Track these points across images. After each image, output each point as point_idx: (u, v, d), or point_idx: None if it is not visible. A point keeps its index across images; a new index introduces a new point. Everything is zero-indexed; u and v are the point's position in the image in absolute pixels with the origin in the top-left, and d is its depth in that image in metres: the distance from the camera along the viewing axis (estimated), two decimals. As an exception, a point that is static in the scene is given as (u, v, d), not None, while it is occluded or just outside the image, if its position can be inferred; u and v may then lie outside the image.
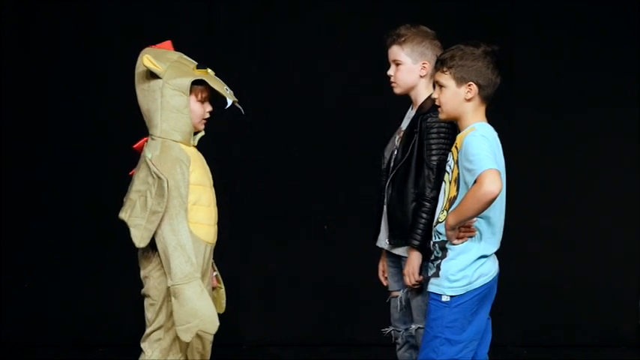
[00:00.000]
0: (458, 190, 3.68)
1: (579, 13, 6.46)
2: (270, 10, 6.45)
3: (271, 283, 6.43)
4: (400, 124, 4.31)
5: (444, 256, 3.72)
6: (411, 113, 4.27)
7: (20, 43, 6.34)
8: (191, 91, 3.91)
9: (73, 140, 6.34)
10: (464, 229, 3.66)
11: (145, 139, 3.96)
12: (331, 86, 6.45)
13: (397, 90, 4.26)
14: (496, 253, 3.74)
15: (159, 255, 3.85)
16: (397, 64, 4.22)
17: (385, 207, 4.22)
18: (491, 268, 3.71)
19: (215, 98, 4.00)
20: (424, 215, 4.02)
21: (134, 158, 3.99)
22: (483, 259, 3.69)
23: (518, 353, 6.33)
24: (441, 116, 3.83)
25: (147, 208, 3.79)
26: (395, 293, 4.31)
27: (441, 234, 3.73)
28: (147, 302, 3.96)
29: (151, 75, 3.87)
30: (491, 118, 3.78)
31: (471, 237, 3.68)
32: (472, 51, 3.72)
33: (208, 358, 4.08)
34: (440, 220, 3.75)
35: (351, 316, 6.41)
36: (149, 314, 3.95)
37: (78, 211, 6.32)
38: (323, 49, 6.44)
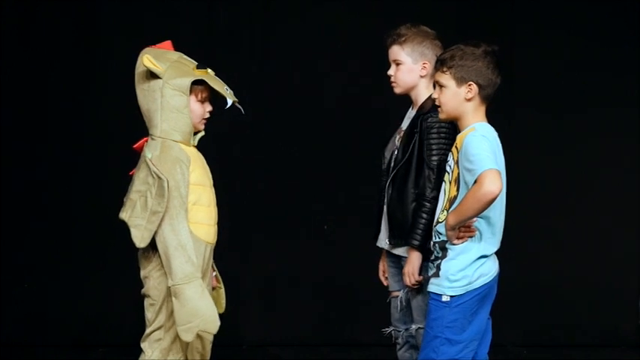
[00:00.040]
0: (458, 190, 3.68)
1: (579, 13, 6.46)
2: (270, 10, 6.45)
3: (271, 283, 6.43)
4: (400, 124, 4.31)
5: (444, 256, 3.72)
6: (411, 113, 4.27)
7: (20, 43, 6.34)
8: (191, 91, 3.91)
9: (73, 140, 6.34)
10: (464, 229, 3.66)
11: (145, 139, 3.96)
12: (331, 86, 6.45)
13: (397, 90, 4.26)
14: (496, 253, 3.74)
15: (159, 255, 3.85)
16: (397, 64, 4.22)
17: (385, 207, 4.22)
18: (491, 268, 3.71)
19: (215, 98, 4.00)
20: (424, 215, 4.02)
21: (134, 158, 3.99)
22: (483, 259, 3.69)
23: (518, 353, 6.33)
24: (441, 116, 3.83)
25: (147, 209, 3.79)
26: (395, 293, 4.30)
27: (441, 234, 3.73)
28: (147, 302, 3.96)
29: (151, 75, 3.87)
30: (492, 118, 3.79)
31: (471, 237, 3.68)
32: (472, 51, 3.72)
33: (208, 358, 4.08)
34: (440, 220, 3.75)
35: (351, 316, 6.41)
36: (149, 314, 3.95)
37: (78, 211, 6.32)
38: (323, 49, 6.44)
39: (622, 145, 6.49)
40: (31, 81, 6.34)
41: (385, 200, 4.22)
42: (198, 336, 3.89)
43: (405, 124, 4.27)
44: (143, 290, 3.96)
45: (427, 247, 3.95)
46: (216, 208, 3.99)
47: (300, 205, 6.41)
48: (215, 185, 4.01)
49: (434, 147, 4.06)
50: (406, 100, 4.30)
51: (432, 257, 3.79)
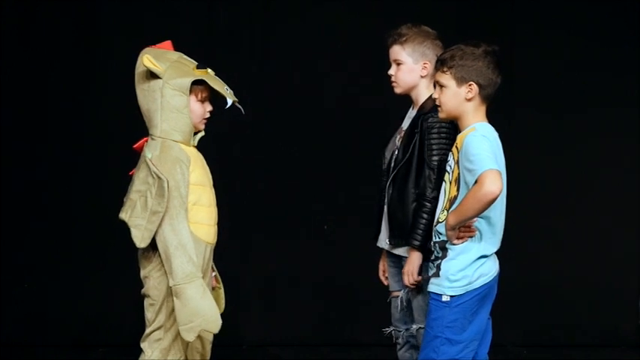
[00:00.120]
0: (458, 190, 3.68)
1: (579, 13, 6.46)
2: (270, 10, 6.45)
3: (271, 283, 6.43)
4: (401, 124, 4.31)
5: (444, 256, 3.72)
6: (411, 113, 4.27)
7: (20, 43, 6.33)
8: (191, 91, 3.91)
9: (73, 140, 6.34)
10: (464, 229, 3.66)
11: (145, 139, 3.96)
12: (331, 86, 6.45)
13: (398, 90, 4.26)
14: (496, 253, 3.74)
15: (159, 255, 3.85)
16: (398, 64, 4.22)
17: (386, 207, 4.22)
18: (491, 268, 3.71)
19: (215, 98, 4.00)
20: (425, 215, 4.02)
21: (134, 158, 3.99)
22: (483, 259, 3.69)
23: (518, 353, 6.33)
24: (441, 115, 3.83)
25: (147, 209, 3.79)
26: (396, 293, 4.30)
27: (441, 234, 3.73)
28: (147, 302, 3.96)
29: (151, 75, 3.87)
30: (492, 118, 3.79)
31: (471, 237, 3.68)
32: (472, 51, 3.72)
33: (208, 358, 4.08)
34: (440, 220, 3.75)
35: (351, 316, 6.41)
36: (149, 314, 3.95)
37: (78, 211, 6.32)
38: (323, 49, 6.44)
39: (622, 145, 6.49)
40: (31, 81, 6.34)
41: (385, 200, 4.22)
42: (199, 335, 3.89)
43: (405, 124, 4.27)
44: (143, 290, 3.96)
45: (427, 247, 3.95)
46: (216, 209, 3.99)
47: (300, 205, 6.41)
48: (215, 185, 4.01)
49: (434, 147, 4.06)
50: (406, 100, 4.30)
51: (432, 257, 3.79)
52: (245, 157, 6.44)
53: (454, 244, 3.69)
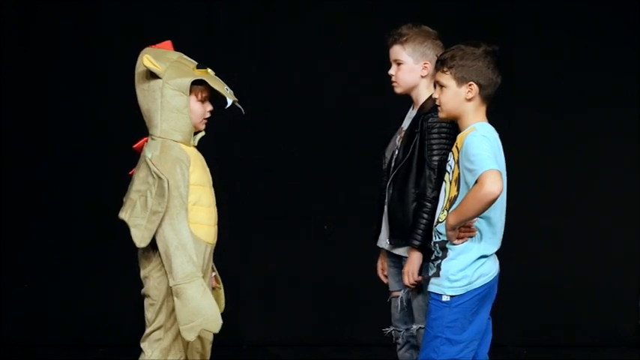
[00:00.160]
0: (458, 190, 3.68)
1: (579, 13, 6.46)
2: (270, 10, 6.45)
3: (271, 283, 6.43)
4: (401, 124, 4.31)
5: (444, 256, 3.72)
6: (412, 113, 4.27)
7: (20, 43, 6.33)
8: (191, 91, 3.91)
9: (73, 140, 6.34)
10: (464, 229, 3.66)
11: (145, 139, 3.96)
12: (331, 86, 6.45)
13: (398, 90, 4.26)
14: (496, 253, 3.74)
15: (159, 255, 3.85)
16: (398, 64, 4.22)
17: (386, 207, 4.22)
18: (491, 268, 3.71)
19: (215, 98, 4.00)
20: (425, 215, 4.02)
21: (134, 158, 3.99)
22: (484, 259, 3.69)
23: (518, 353, 6.33)
24: (441, 115, 3.83)
25: (147, 208, 3.79)
26: (396, 293, 4.30)
27: (441, 234, 3.73)
28: (147, 302, 3.96)
29: (151, 75, 3.87)
30: (492, 118, 3.79)
31: (472, 237, 3.68)
32: (472, 51, 3.72)
33: (208, 358, 4.08)
34: (440, 220, 3.75)
35: (351, 316, 6.41)
36: (149, 314, 3.95)
37: (78, 211, 6.32)
38: (323, 49, 6.44)
39: (622, 145, 6.49)
40: (31, 81, 6.34)
41: (386, 200, 4.22)
42: (199, 336, 3.89)
43: (405, 124, 4.27)
44: (143, 290, 3.96)
45: (427, 247, 3.95)
46: (216, 209, 3.99)
47: (300, 205, 6.41)
48: (215, 185, 4.01)
49: (434, 147, 4.06)
50: (406, 100, 4.30)
51: (433, 257, 3.80)
52: (245, 157, 6.44)
53: (454, 244, 3.69)
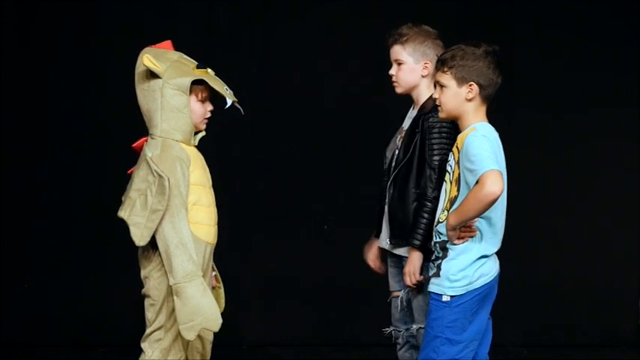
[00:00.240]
0: (459, 190, 3.67)
1: (579, 13, 6.46)
2: (270, 10, 6.45)
3: (271, 283, 6.43)
4: (402, 124, 4.31)
5: (444, 256, 3.72)
6: (412, 113, 4.27)
7: (20, 43, 6.33)
8: (191, 91, 3.91)
9: (73, 140, 6.34)
10: (465, 229, 3.66)
11: (144, 138, 3.96)
12: (331, 86, 6.45)
13: (399, 90, 4.26)
14: (496, 253, 3.74)
15: (159, 255, 3.85)
16: (399, 64, 4.21)
17: (386, 207, 4.22)
18: (491, 268, 3.71)
19: (215, 98, 4.01)
20: (425, 215, 4.02)
21: (134, 158, 3.99)
22: (484, 259, 3.69)
23: (518, 353, 6.33)
24: (441, 115, 3.83)
25: (147, 207, 3.79)
26: (396, 293, 4.30)
27: (441, 234, 3.73)
28: (147, 302, 3.96)
29: (151, 75, 3.87)
30: (492, 118, 3.79)
31: (472, 237, 3.68)
32: (473, 51, 3.72)
33: (208, 358, 4.08)
34: (441, 220, 3.75)
35: (351, 316, 6.41)
36: (149, 314, 3.95)
37: (78, 211, 6.32)
38: (323, 49, 6.44)
39: (622, 145, 6.49)
40: (31, 81, 6.34)
41: (386, 200, 4.22)
42: (199, 335, 3.89)
43: (406, 124, 4.27)
44: (143, 290, 3.96)
45: (428, 247, 3.95)
46: (215, 209, 3.99)
47: (300, 205, 6.41)
48: (215, 185, 4.01)
49: (435, 147, 4.05)
50: (406, 99, 4.30)
51: (433, 257, 3.79)
52: (245, 157, 6.44)
53: (455, 244, 3.69)
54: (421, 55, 4.19)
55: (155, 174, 3.80)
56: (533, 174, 6.38)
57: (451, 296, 3.67)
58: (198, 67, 3.95)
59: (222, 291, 4.18)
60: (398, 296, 4.28)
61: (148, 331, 3.94)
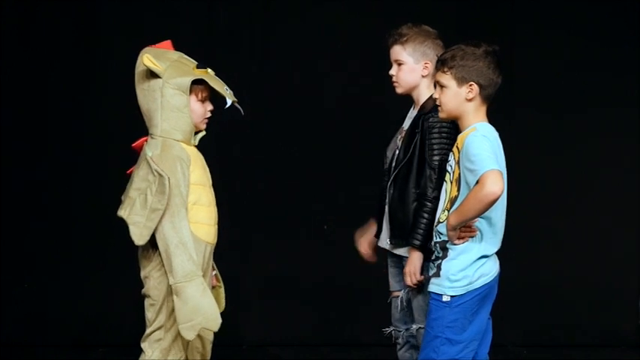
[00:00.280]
0: (459, 190, 3.67)
1: (579, 13, 6.46)
2: (270, 10, 6.45)
3: (271, 283, 6.43)
4: (402, 124, 4.31)
5: (444, 256, 3.72)
6: (413, 113, 4.27)
7: (20, 43, 6.33)
8: (191, 91, 3.91)
9: (73, 140, 6.34)
10: (465, 229, 3.66)
11: (144, 138, 3.96)
12: (331, 86, 6.45)
13: (399, 90, 4.26)
14: (496, 253, 3.74)
15: (159, 255, 3.85)
16: (399, 64, 4.21)
17: (387, 207, 4.22)
18: (492, 268, 3.71)
19: (215, 98, 4.01)
20: (425, 215, 4.01)
21: (134, 158, 3.99)
22: (484, 259, 3.69)
23: (518, 353, 6.33)
24: (442, 115, 3.83)
25: (147, 206, 3.79)
26: (396, 293, 4.30)
27: (442, 234, 3.73)
28: (147, 302, 3.96)
29: (151, 74, 3.87)
30: (492, 118, 3.79)
31: (472, 237, 3.68)
32: (473, 51, 3.72)
33: (208, 358, 4.08)
34: (441, 220, 3.75)
35: (351, 316, 6.41)
36: (149, 314, 3.95)
37: (78, 211, 6.32)
38: (323, 49, 6.44)
39: (622, 145, 6.49)
40: (31, 81, 6.34)
41: (387, 200, 4.22)
42: (199, 335, 3.89)
43: (406, 124, 4.27)
44: (143, 290, 3.96)
45: (428, 247, 3.95)
46: (216, 208, 3.99)
47: (300, 205, 6.41)
48: (215, 185, 4.01)
49: (435, 147, 4.05)
50: (406, 99, 4.30)
51: (433, 257, 3.79)
52: (245, 157, 6.44)
53: (455, 244, 3.69)
54: (421, 55, 4.19)
55: (155, 173, 3.80)
56: (533, 174, 6.38)
57: (451, 296, 3.67)
58: (198, 66, 3.96)
59: (222, 290, 4.18)
60: (398, 296, 4.28)
61: (147, 331, 3.95)
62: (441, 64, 3.77)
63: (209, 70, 3.98)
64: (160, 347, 3.92)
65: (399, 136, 4.27)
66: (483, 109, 3.76)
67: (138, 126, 4.01)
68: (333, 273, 6.38)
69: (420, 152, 4.09)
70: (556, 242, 6.47)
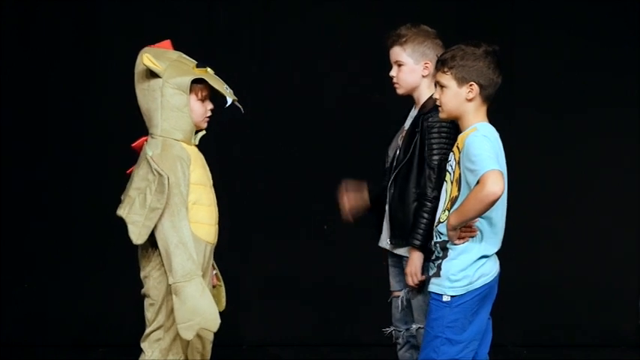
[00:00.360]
0: (459, 190, 3.68)
1: (579, 13, 6.46)
2: (270, 10, 6.44)
3: (271, 283, 6.43)
4: (403, 124, 4.31)
5: (445, 256, 3.72)
6: (413, 113, 4.27)
7: (20, 43, 6.33)
8: (191, 90, 3.91)
9: (73, 140, 6.34)
10: (465, 229, 3.66)
11: (144, 138, 3.96)
12: (331, 86, 6.45)
13: (400, 91, 4.26)
14: (497, 253, 3.74)
15: (159, 254, 3.85)
16: (399, 65, 4.21)
17: (387, 207, 4.22)
18: (492, 268, 3.71)
19: (215, 97, 4.01)
20: (425, 215, 4.02)
21: (134, 158, 3.99)
22: (484, 259, 3.69)
23: (518, 353, 6.33)
24: (442, 115, 3.83)
25: (146, 205, 3.79)
26: (396, 293, 4.30)
27: (442, 234, 3.73)
28: (146, 302, 3.96)
29: (151, 74, 3.87)
30: (492, 118, 3.79)
31: (473, 237, 3.68)
32: (473, 51, 3.72)
33: (208, 358, 4.08)
34: (441, 220, 3.75)
35: (351, 316, 6.41)
36: (149, 314, 3.95)
37: (78, 211, 6.32)
38: (323, 49, 6.44)
39: (622, 145, 6.49)
40: (31, 81, 6.34)
41: (387, 200, 4.22)
42: (198, 336, 3.89)
43: (407, 124, 4.27)
44: (143, 290, 3.96)
45: (428, 247, 3.95)
46: (216, 208, 3.99)
47: (300, 205, 6.41)
48: (215, 185, 4.01)
49: (435, 146, 4.06)
50: (406, 99, 4.30)
51: (433, 257, 3.79)
52: (245, 157, 6.44)
53: (455, 244, 3.69)
54: (421, 56, 4.19)
55: (155, 172, 3.80)
56: (533, 174, 6.38)
57: (451, 296, 3.67)
58: (197, 66, 3.96)
59: (222, 289, 4.18)
60: (398, 296, 4.28)
61: (147, 330, 3.95)
62: (441, 65, 3.77)
63: (208, 69, 3.98)
64: (160, 347, 3.92)
65: (400, 136, 4.27)
66: (484, 109, 3.76)
67: (138, 126, 4.01)
68: (333, 273, 6.38)
69: (420, 152, 4.09)
70: (556, 242, 6.47)
